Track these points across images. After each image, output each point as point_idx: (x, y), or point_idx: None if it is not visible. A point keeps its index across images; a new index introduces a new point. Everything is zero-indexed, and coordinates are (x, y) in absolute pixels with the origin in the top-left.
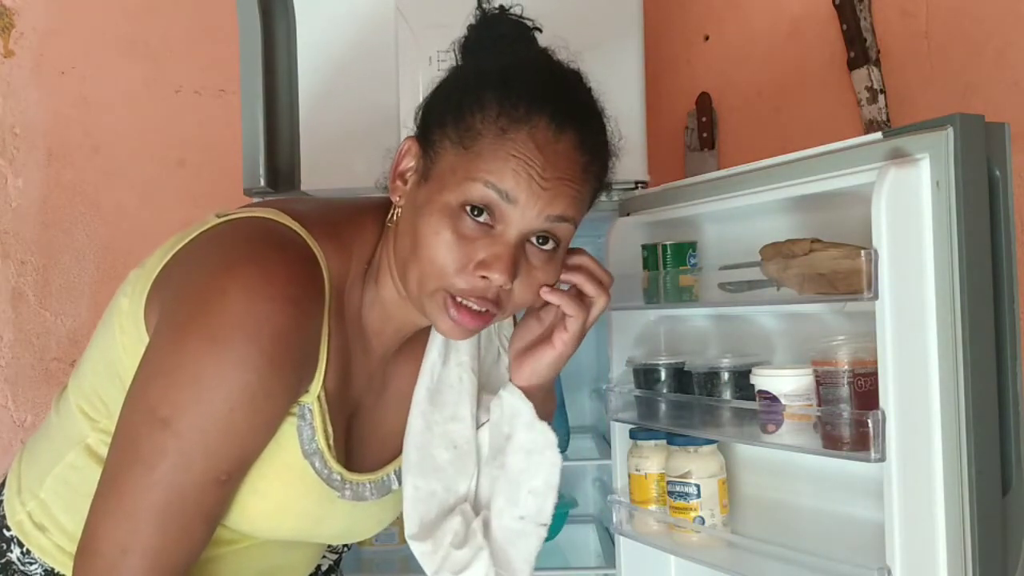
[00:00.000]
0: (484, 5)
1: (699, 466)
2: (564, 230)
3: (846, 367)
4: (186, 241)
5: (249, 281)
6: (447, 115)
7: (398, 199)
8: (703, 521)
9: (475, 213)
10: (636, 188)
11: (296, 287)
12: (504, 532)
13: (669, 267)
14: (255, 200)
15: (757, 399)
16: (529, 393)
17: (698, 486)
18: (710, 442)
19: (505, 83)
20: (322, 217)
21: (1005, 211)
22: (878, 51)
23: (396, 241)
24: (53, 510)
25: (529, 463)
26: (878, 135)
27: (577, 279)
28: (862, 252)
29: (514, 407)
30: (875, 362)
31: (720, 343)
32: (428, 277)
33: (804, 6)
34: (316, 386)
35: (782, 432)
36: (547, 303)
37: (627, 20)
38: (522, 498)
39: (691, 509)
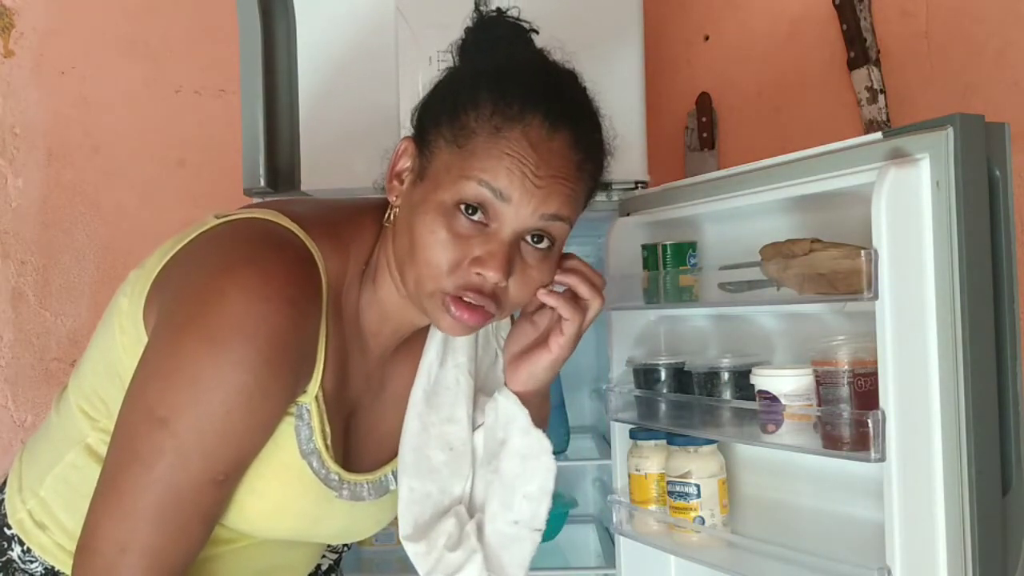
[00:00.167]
0: (481, 7)
1: (699, 466)
2: (559, 229)
3: (846, 367)
4: (185, 242)
5: (247, 282)
6: (442, 115)
7: (395, 199)
8: (703, 521)
9: (469, 212)
10: (636, 188)
11: (294, 288)
12: (498, 536)
13: (669, 267)
14: (255, 200)
15: (757, 399)
16: (525, 398)
17: (698, 486)
18: (710, 442)
19: (499, 82)
20: (320, 218)
21: (1005, 211)
22: (878, 51)
23: (394, 241)
24: (53, 509)
25: (524, 468)
26: (878, 135)
27: (572, 280)
28: (862, 252)
29: (509, 412)
30: (875, 362)
31: (720, 343)
32: (425, 278)
33: (804, 6)
34: (314, 386)
35: (782, 432)
36: (541, 307)
37: (627, 20)
38: (516, 503)
39: (691, 509)
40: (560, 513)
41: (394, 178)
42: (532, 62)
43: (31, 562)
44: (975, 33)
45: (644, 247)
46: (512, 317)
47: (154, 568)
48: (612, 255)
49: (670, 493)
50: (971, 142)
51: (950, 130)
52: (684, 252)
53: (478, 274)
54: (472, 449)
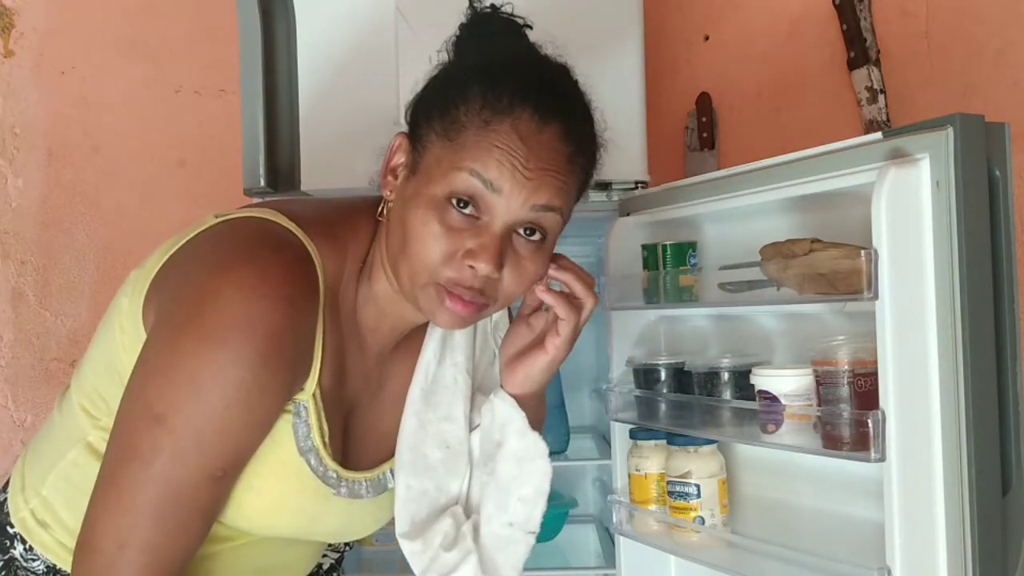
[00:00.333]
0: (475, 4)
1: (699, 466)
2: (550, 220)
3: (846, 367)
4: (184, 241)
5: (244, 281)
6: (433, 109)
7: (389, 194)
8: (703, 521)
9: (461, 205)
10: (636, 188)
11: (290, 286)
12: (492, 538)
13: (669, 267)
14: (255, 200)
15: (757, 399)
16: (521, 401)
17: (698, 486)
18: (710, 442)
19: (489, 76)
20: (317, 217)
21: (1005, 211)
22: (878, 51)
23: (388, 236)
24: (55, 507)
25: (520, 471)
26: (878, 135)
27: (567, 277)
28: (862, 252)
29: (506, 415)
30: (875, 362)
31: (720, 343)
32: (418, 271)
33: (804, 6)
34: (311, 384)
35: (782, 432)
36: (536, 309)
37: (627, 20)
38: (511, 505)
39: (691, 509)
40: (560, 513)
41: (388, 174)
42: (523, 56)
43: (33, 560)
44: (975, 33)
45: (644, 247)
46: (511, 316)
47: (153, 564)
48: (612, 255)
49: (670, 493)
50: (971, 142)
51: (950, 130)
52: (684, 252)
53: (470, 266)
54: (469, 447)
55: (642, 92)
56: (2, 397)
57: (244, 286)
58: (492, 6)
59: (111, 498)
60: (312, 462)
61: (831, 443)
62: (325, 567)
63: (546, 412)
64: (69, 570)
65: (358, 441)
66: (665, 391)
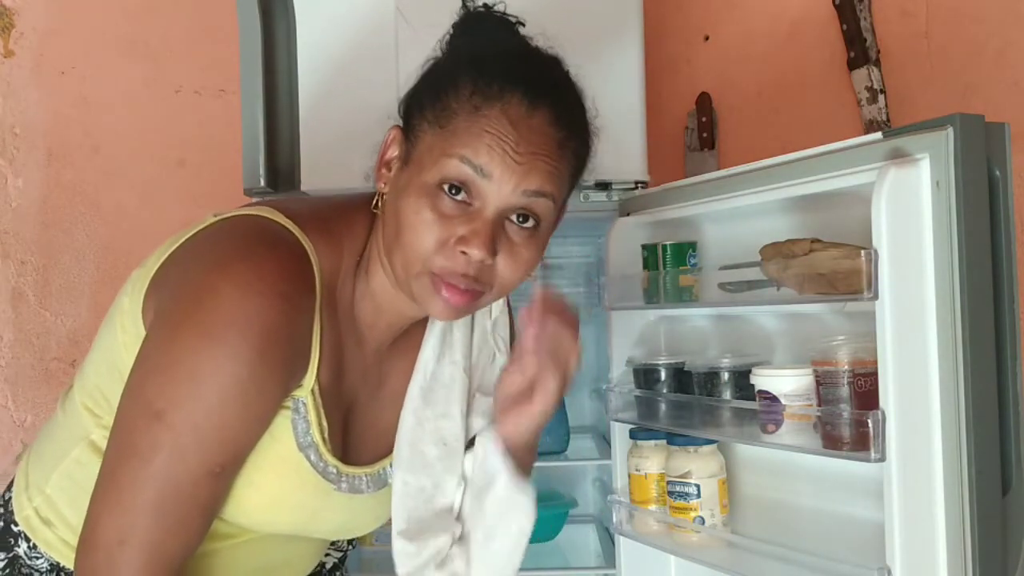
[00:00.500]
0: (468, 3)
1: (699, 466)
2: (542, 206)
3: (846, 367)
4: (183, 240)
5: (240, 278)
6: (425, 99)
7: (383, 187)
8: (703, 521)
9: (453, 192)
10: (636, 188)
11: (286, 283)
12: (479, 565)
13: (669, 267)
14: (254, 200)
15: (757, 399)
16: (511, 448)
17: (698, 486)
18: (710, 442)
19: (479, 63)
20: (314, 214)
21: (1005, 211)
22: (878, 51)
23: (383, 228)
24: (59, 505)
25: (501, 520)
26: (878, 135)
27: (553, 328)
28: (862, 252)
29: (494, 465)
30: (875, 362)
31: (720, 343)
32: (411, 260)
33: (804, 6)
34: (309, 380)
35: (782, 432)
36: (525, 357)
37: (627, 20)
38: (497, 539)
39: (691, 509)
40: (560, 513)
41: (382, 166)
42: (513, 46)
43: (37, 558)
44: (975, 33)
45: (644, 247)
46: (512, 316)
47: (153, 561)
48: (612, 255)
49: (670, 493)
50: (971, 142)
51: (950, 130)
52: (684, 252)
53: (463, 252)
54: (464, 445)
55: (642, 92)
56: (2, 397)
57: (240, 283)
58: (485, 5)
59: (111, 495)
60: (312, 458)
61: (831, 443)
62: (328, 566)
63: (536, 457)
64: (72, 568)
65: (358, 437)
66: (665, 391)
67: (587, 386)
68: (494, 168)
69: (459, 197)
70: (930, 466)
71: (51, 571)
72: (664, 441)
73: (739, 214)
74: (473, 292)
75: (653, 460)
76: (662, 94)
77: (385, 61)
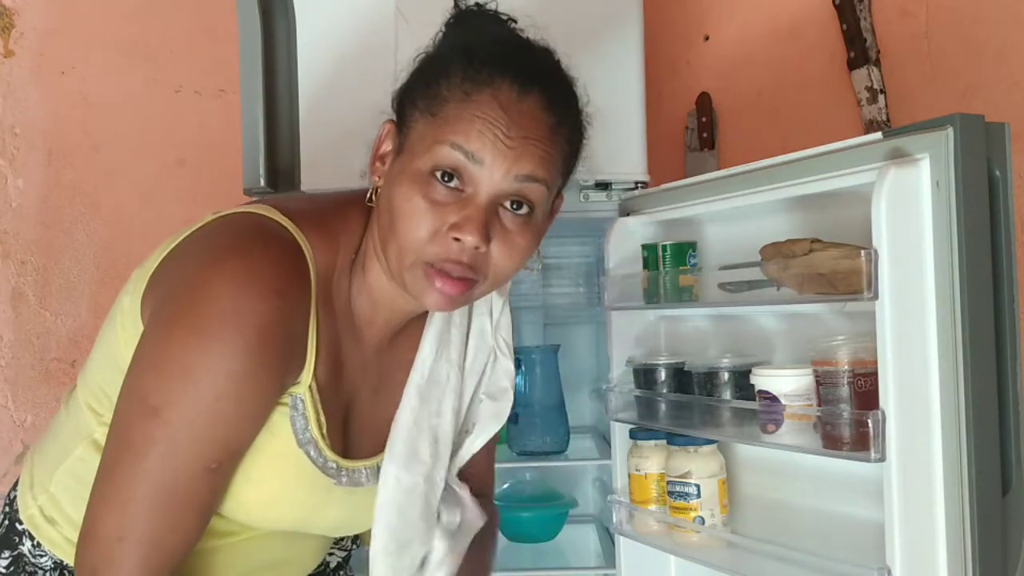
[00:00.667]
0: (460, 3)
1: (699, 466)
2: (536, 192)
3: (846, 367)
4: (181, 238)
5: (235, 274)
6: (416, 89)
7: (377, 180)
8: (703, 521)
9: (445, 178)
10: (636, 188)
11: (281, 279)
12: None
13: (669, 267)
14: (254, 199)
15: (757, 399)
16: None
17: (698, 486)
18: (710, 442)
19: (470, 51)
20: (310, 210)
21: (1005, 211)
22: (878, 51)
23: (378, 221)
24: (62, 503)
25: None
26: (878, 135)
27: None
28: (862, 252)
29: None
30: (875, 362)
31: (720, 343)
32: (405, 249)
33: (804, 6)
34: (306, 376)
35: (782, 432)
36: None
37: (627, 20)
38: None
39: (691, 509)
40: (560, 513)
41: (377, 160)
42: (504, 34)
43: (41, 556)
44: (975, 33)
45: (644, 247)
46: (512, 316)
47: (151, 556)
48: (612, 255)
49: (670, 493)
50: (971, 142)
51: (950, 130)
52: (684, 252)
53: (456, 239)
54: (452, 440)
55: (642, 92)
56: (2, 397)
57: (234, 279)
58: (477, 4)
59: (109, 491)
60: (311, 454)
61: (831, 443)
62: (332, 565)
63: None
64: None
65: (359, 431)
66: (665, 391)
67: (587, 386)
68: (485, 154)
69: (451, 184)
70: (930, 466)
71: (55, 569)
72: (664, 441)
73: (739, 214)
74: (467, 281)
75: (653, 460)
76: (662, 94)
77: (385, 61)
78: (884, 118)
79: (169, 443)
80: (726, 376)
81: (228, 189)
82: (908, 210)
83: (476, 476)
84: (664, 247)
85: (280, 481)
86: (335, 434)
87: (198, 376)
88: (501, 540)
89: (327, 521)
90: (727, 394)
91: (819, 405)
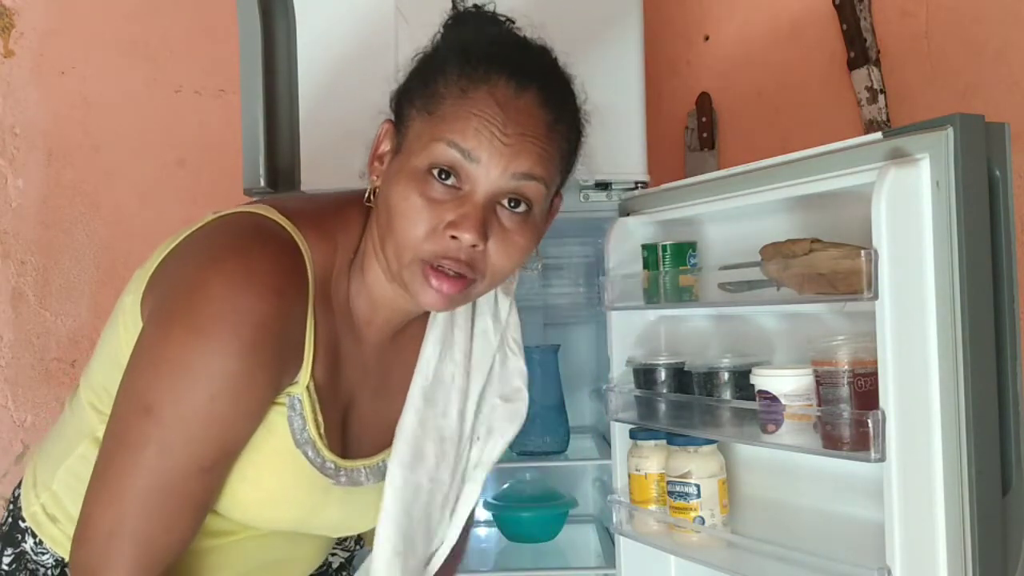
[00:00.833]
0: (458, 4)
1: (699, 466)
2: (533, 189)
3: (846, 367)
4: (181, 238)
5: (232, 274)
6: (414, 88)
7: (375, 179)
8: (703, 521)
9: (442, 176)
10: (636, 188)
11: (278, 278)
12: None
13: (669, 267)
14: (254, 199)
15: (757, 399)
16: None
17: (698, 486)
18: (710, 442)
19: (467, 50)
20: (309, 210)
21: (1005, 211)
22: (878, 51)
23: (376, 220)
24: (64, 502)
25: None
26: (878, 135)
27: None
28: (862, 252)
29: None
30: (875, 362)
31: (720, 343)
32: (402, 247)
33: (804, 6)
34: (304, 376)
35: (782, 432)
36: None
37: (627, 20)
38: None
39: (691, 509)
40: (560, 513)
41: (375, 160)
42: (501, 33)
43: (42, 554)
44: (975, 33)
45: (644, 247)
46: (520, 316)
47: (144, 555)
48: (612, 255)
49: (670, 493)
50: (971, 142)
51: (950, 130)
52: (684, 252)
53: (453, 237)
54: (459, 439)
55: (642, 92)
56: (2, 397)
57: (231, 278)
58: (475, 5)
59: (103, 489)
60: (310, 454)
61: (831, 443)
62: (335, 565)
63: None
64: None
65: (359, 432)
66: (665, 391)
67: (587, 386)
68: (482, 152)
69: (448, 182)
70: (930, 466)
71: (56, 567)
72: (664, 441)
73: (739, 214)
74: (464, 279)
75: (653, 460)
76: (662, 94)
77: (385, 61)
78: (884, 118)
79: (162, 442)
80: (726, 376)
81: (228, 189)
82: (908, 210)
83: None
84: (664, 247)
85: (278, 481)
86: (333, 434)
87: (194, 375)
88: (501, 540)
89: (326, 521)
90: (727, 394)
91: (819, 405)
